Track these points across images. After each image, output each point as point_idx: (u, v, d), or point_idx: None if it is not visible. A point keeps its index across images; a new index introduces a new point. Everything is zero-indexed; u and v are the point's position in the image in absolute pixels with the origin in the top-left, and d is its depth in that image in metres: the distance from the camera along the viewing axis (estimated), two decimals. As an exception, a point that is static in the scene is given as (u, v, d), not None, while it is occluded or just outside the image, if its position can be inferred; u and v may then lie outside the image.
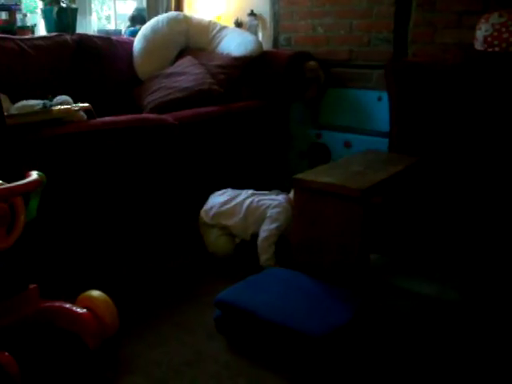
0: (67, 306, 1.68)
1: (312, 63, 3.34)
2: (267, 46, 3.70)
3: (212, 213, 2.22)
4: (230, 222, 2.18)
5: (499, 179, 2.06)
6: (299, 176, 1.88)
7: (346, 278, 1.82)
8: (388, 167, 1.98)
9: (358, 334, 1.70)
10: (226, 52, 3.35)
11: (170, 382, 1.55)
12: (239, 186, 2.43)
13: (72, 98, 2.31)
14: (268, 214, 2.11)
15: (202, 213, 2.30)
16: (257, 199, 2.19)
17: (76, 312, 1.65)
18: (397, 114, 2.24)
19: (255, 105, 3.05)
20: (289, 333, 1.57)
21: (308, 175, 1.89)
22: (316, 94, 3.36)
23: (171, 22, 3.42)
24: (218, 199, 2.29)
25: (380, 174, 1.90)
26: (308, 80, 3.33)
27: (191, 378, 1.56)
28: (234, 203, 2.21)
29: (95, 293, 1.71)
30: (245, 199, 2.21)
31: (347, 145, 2.99)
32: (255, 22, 3.77)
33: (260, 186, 2.49)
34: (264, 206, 2.15)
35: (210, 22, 3.57)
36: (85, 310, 1.64)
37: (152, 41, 3.34)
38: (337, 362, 1.60)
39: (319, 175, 1.88)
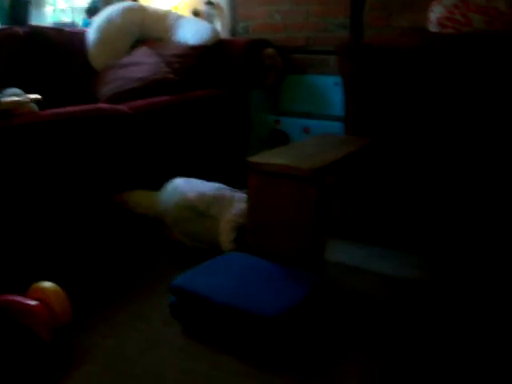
0: (18, 298, 1.64)
1: (270, 50, 3.33)
2: (225, 34, 3.67)
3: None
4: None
5: (454, 158, 2.07)
6: (252, 159, 1.87)
7: (301, 259, 1.81)
8: (341, 148, 1.98)
9: (313, 313, 1.69)
10: (182, 41, 3.31)
11: (126, 370, 1.52)
12: (199, 175, 2.40)
13: (26, 90, 2.26)
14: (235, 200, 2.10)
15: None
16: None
17: (27, 304, 1.61)
18: (351, 96, 2.24)
19: (213, 93, 3.02)
20: (243, 315, 1.56)
21: (261, 158, 1.88)
22: (275, 81, 3.35)
23: (125, 11, 3.36)
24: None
25: (333, 154, 1.89)
26: (266, 67, 3.32)
27: (146, 365, 1.54)
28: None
29: (46, 284, 1.67)
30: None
31: (306, 130, 2.99)
32: (213, 11, 3.73)
33: (220, 174, 2.47)
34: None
35: (166, 11, 3.53)
36: (36, 302, 1.60)
37: (106, 31, 3.28)
38: (293, 341, 1.59)
39: (272, 157, 1.87)
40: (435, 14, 2.70)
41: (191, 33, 3.32)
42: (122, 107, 2.55)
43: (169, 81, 2.95)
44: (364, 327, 1.68)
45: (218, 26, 3.72)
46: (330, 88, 3.11)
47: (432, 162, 2.06)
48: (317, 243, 1.81)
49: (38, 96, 2.23)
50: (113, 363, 1.54)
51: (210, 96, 2.96)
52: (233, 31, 3.68)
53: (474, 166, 2.02)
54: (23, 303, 1.61)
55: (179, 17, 3.47)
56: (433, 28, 2.73)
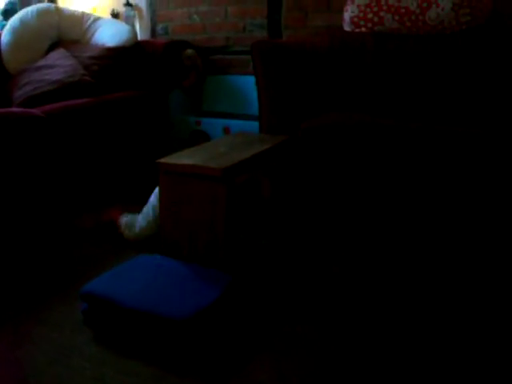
0: None
1: (189, 51, 3.31)
2: (145, 36, 3.64)
3: None
4: None
5: (375, 151, 2.09)
6: (162, 160, 1.84)
7: (215, 259, 1.80)
8: (254, 147, 1.98)
9: (226, 313, 1.68)
10: (100, 43, 3.25)
11: (32, 382, 1.46)
12: (116, 178, 2.35)
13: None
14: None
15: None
16: None
17: None
18: (263, 95, 2.24)
19: (130, 95, 2.98)
20: (152, 319, 1.54)
21: (171, 158, 1.86)
22: (195, 82, 3.33)
23: (41, 13, 3.27)
24: None
25: (244, 153, 1.89)
26: (186, 68, 3.29)
27: (55, 375, 1.49)
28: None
29: None
30: None
31: (226, 131, 2.99)
32: (132, 13, 3.69)
33: (139, 177, 2.43)
34: None
35: (83, 13, 3.45)
36: None
37: (21, 33, 3.18)
38: (204, 343, 1.58)
39: (182, 158, 1.86)
40: (349, 13, 2.76)
41: (109, 34, 3.26)
42: (34, 111, 2.48)
43: (85, 83, 2.89)
44: (276, 327, 1.68)
45: (138, 27, 3.67)
46: (251, 88, 3.10)
47: (351, 159, 2.08)
48: (229, 242, 1.81)
49: None
50: (19, 376, 1.48)
51: (127, 98, 2.92)
52: (152, 33, 3.64)
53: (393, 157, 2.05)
54: None
55: (97, 18, 3.40)
56: (347, 27, 2.79)
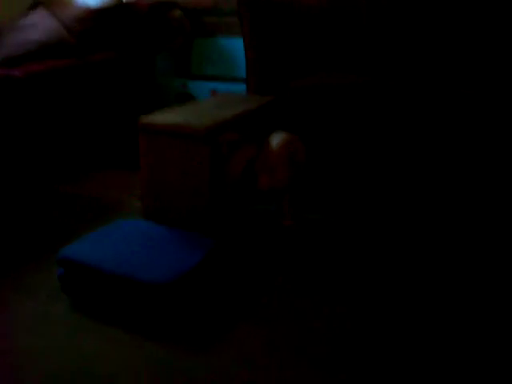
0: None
1: (177, 12, 3.19)
2: (130, -3, 3.48)
3: None
4: None
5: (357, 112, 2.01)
6: (143, 119, 1.75)
7: (198, 223, 1.72)
8: (240, 106, 1.89)
9: (209, 278, 1.61)
10: (82, 3, 3.13)
11: (7, 352, 1.39)
12: (101, 142, 2.25)
13: None
14: None
15: None
16: None
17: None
18: (251, 52, 2.14)
19: (114, 56, 2.87)
20: (131, 284, 1.46)
21: (152, 117, 1.77)
22: (182, 44, 3.21)
23: (20, -29, 3.14)
24: None
25: (229, 112, 1.80)
26: (173, 30, 3.17)
27: (30, 345, 1.42)
28: None
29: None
30: None
31: (213, 93, 2.88)
32: (116, -27, 3.53)
33: (124, 140, 2.34)
34: None
35: (65, -29, 3.30)
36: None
37: (-1, -8, 3.05)
38: (186, 309, 1.51)
39: (164, 116, 1.76)
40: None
41: (91, -6, 3.13)
42: (13, 71, 2.37)
43: (66, 44, 2.78)
44: (260, 295, 1.61)
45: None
46: (240, 50, 3.01)
47: (337, 119, 2.00)
48: (213, 205, 1.73)
49: None
50: (-7, 343, 1.41)
51: (109, 59, 2.81)
52: (139, -7, 3.49)
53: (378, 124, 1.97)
54: None
55: (80, -22, 3.26)
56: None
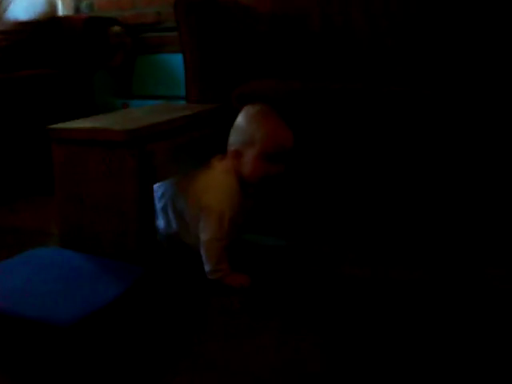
0: None
1: (116, 28, 2.94)
2: (68, 13, 3.23)
3: None
4: None
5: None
6: (55, 126, 1.46)
7: (125, 250, 1.42)
8: (175, 113, 1.62)
9: (134, 311, 1.31)
10: (12, 18, 2.86)
11: None
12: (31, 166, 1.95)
13: None
14: None
15: None
16: None
17: None
18: (190, 56, 1.89)
19: (45, 73, 2.58)
20: (34, 325, 1.15)
21: (69, 123, 1.48)
22: (123, 62, 2.96)
23: None
24: None
25: (160, 118, 1.52)
26: (112, 47, 2.92)
27: None
28: None
29: None
30: None
31: (125, 107, 2.64)
32: (53, -12, 3.27)
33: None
34: None
35: (-6, -14, 3.03)
36: None
37: None
38: (100, 354, 1.19)
39: (83, 122, 1.48)
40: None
41: (22, 8, 2.86)
42: None
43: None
44: (196, 329, 1.31)
45: (59, 4, 3.27)
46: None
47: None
48: (143, 227, 1.43)
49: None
50: None
51: (39, 75, 2.53)
52: (76, 9, 3.25)
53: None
54: None
55: (10, -8, 2.99)
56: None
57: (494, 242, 1.65)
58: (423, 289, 1.46)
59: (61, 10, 3.25)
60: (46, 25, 2.81)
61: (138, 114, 1.62)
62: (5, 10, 2.94)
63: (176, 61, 2.85)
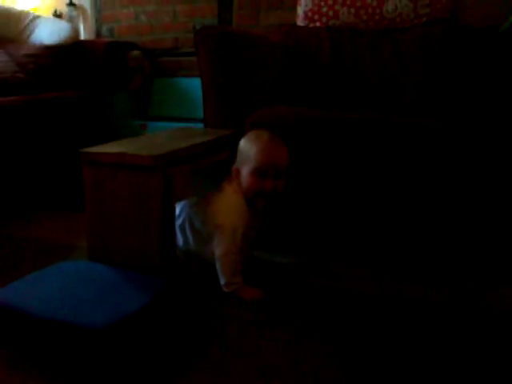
0: None
1: (135, 52, 3.10)
2: (89, 38, 3.40)
3: None
4: None
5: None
6: (87, 149, 1.61)
7: (148, 263, 1.56)
8: (195, 138, 1.76)
9: (157, 322, 1.44)
10: (38, 42, 3.02)
11: None
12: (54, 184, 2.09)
13: None
14: None
15: None
16: None
17: None
18: (208, 84, 2.04)
19: (68, 95, 2.74)
20: (67, 329, 1.29)
21: (97, 148, 1.62)
22: (141, 85, 3.11)
23: (-28, 9, 3.03)
24: None
25: (182, 143, 1.67)
26: (131, 70, 3.08)
27: None
28: None
29: None
30: None
31: (144, 127, 2.78)
32: (75, 13, 3.46)
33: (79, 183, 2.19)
34: None
35: (21, 11, 3.22)
36: None
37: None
38: (127, 358, 1.33)
39: (110, 147, 1.62)
40: (302, 7, 2.60)
41: (47, 32, 3.04)
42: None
43: (17, 81, 2.65)
44: (217, 336, 1.44)
45: (82, 28, 3.45)
46: (200, 91, 2.90)
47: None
48: (166, 244, 1.57)
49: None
50: None
51: (63, 98, 2.69)
52: (97, 34, 3.42)
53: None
54: None
55: (36, 17, 3.18)
56: (301, 22, 2.62)
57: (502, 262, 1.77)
58: (429, 305, 1.58)
59: (82, 35, 3.43)
60: (69, 49, 2.96)
61: (161, 140, 1.76)
62: (30, 34, 3.11)
63: (191, 84, 3.02)
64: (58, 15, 3.52)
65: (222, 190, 1.72)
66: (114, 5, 3.38)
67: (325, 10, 2.52)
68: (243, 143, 1.67)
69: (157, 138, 1.79)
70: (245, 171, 1.63)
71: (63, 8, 3.52)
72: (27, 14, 3.21)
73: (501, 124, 1.76)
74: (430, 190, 1.77)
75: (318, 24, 2.54)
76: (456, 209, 1.76)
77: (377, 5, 2.41)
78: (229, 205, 1.67)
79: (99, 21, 3.46)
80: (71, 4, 3.47)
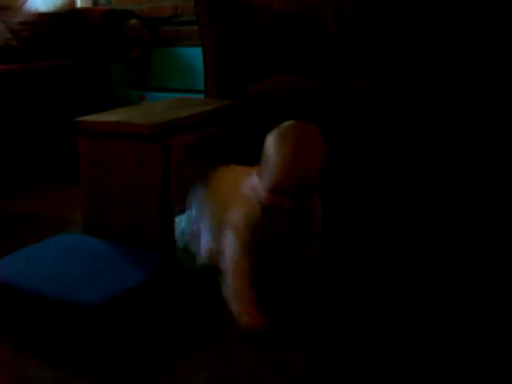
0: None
1: (133, 21, 3.00)
2: (86, 5, 3.29)
3: None
4: None
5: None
6: (82, 118, 1.53)
7: (146, 237, 1.49)
8: (195, 108, 1.69)
9: (156, 298, 1.38)
10: (33, 9, 2.92)
11: None
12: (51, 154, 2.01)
13: None
14: None
15: None
16: None
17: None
18: (209, 52, 1.96)
19: (64, 64, 2.65)
20: (61, 306, 1.23)
21: (93, 116, 1.55)
22: (140, 55, 3.02)
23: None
24: None
25: (182, 112, 1.59)
26: (130, 39, 2.98)
27: None
28: None
29: None
30: None
31: (143, 98, 2.71)
32: (71, -19, 3.33)
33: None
34: None
35: (15, -22, 3.10)
36: None
37: None
38: (125, 336, 1.27)
39: (106, 115, 1.55)
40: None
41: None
42: None
43: (11, 48, 2.55)
44: (217, 314, 1.37)
45: (78, -3, 3.34)
46: (200, 60, 2.81)
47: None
48: (165, 217, 1.50)
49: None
50: None
51: (59, 66, 2.59)
52: (94, 1, 3.31)
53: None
54: None
55: (31, -16, 3.06)
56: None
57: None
58: (431, 284, 1.52)
59: (79, 2, 3.32)
60: (66, 16, 2.86)
61: (159, 109, 1.68)
62: (25, 1, 3.00)
63: (191, 54, 2.92)
64: (53, -17, 3.40)
65: (237, 181, 1.43)
66: (111, -29, 3.28)
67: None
68: (269, 142, 1.28)
69: (155, 107, 1.71)
70: (263, 179, 1.28)
71: (59, -25, 3.39)
72: (21, -20, 3.10)
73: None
74: (434, 164, 1.70)
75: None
76: (462, 187, 1.70)
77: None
78: (242, 203, 1.36)
79: (96, -11, 3.36)
80: (67, -29, 3.35)
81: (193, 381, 1.12)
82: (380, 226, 1.82)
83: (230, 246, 1.34)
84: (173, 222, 1.57)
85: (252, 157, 1.50)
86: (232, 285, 1.31)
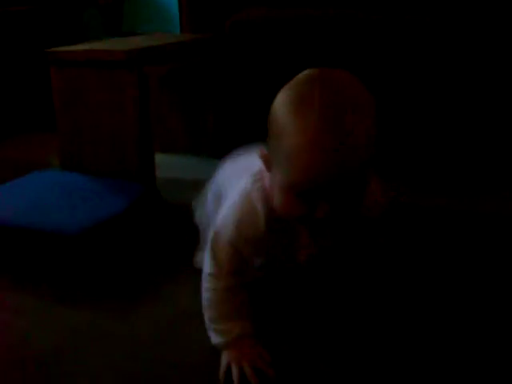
0: None
1: (104, -36, 2.89)
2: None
3: None
4: None
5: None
6: (54, 49, 1.48)
7: (126, 170, 1.46)
8: (170, 39, 1.64)
9: (136, 225, 1.35)
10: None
11: None
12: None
13: None
14: None
15: None
16: None
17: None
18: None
19: (33, 9, 2.55)
20: (42, 236, 1.20)
21: (66, 47, 1.49)
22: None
23: None
24: None
25: (157, 42, 1.54)
26: (101, -16, 2.89)
27: None
28: None
29: None
30: None
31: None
32: None
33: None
34: None
35: None
36: None
37: None
38: (106, 264, 1.24)
39: (80, 45, 1.49)
40: None
41: None
42: None
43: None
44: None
45: None
46: (176, 3, 2.74)
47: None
48: (143, 150, 1.47)
49: None
50: None
51: (26, 11, 2.49)
52: None
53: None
54: None
55: None
56: None
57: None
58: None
59: None
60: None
61: (134, 40, 1.64)
62: None
63: (168, -2, 2.84)
64: None
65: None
66: None
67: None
68: (278, 106, 0.76)
69: (130, 40, 1.67)
70: (274, 174, 0.79)
71: None
72: None
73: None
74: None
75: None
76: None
77: None
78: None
79: None
80: None
81: (178, 302, 1.11)
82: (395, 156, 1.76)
83: (206, 284, 0.90)
84: (152, 153, 1.53)
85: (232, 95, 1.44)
86: (209, 311, 0.91)
